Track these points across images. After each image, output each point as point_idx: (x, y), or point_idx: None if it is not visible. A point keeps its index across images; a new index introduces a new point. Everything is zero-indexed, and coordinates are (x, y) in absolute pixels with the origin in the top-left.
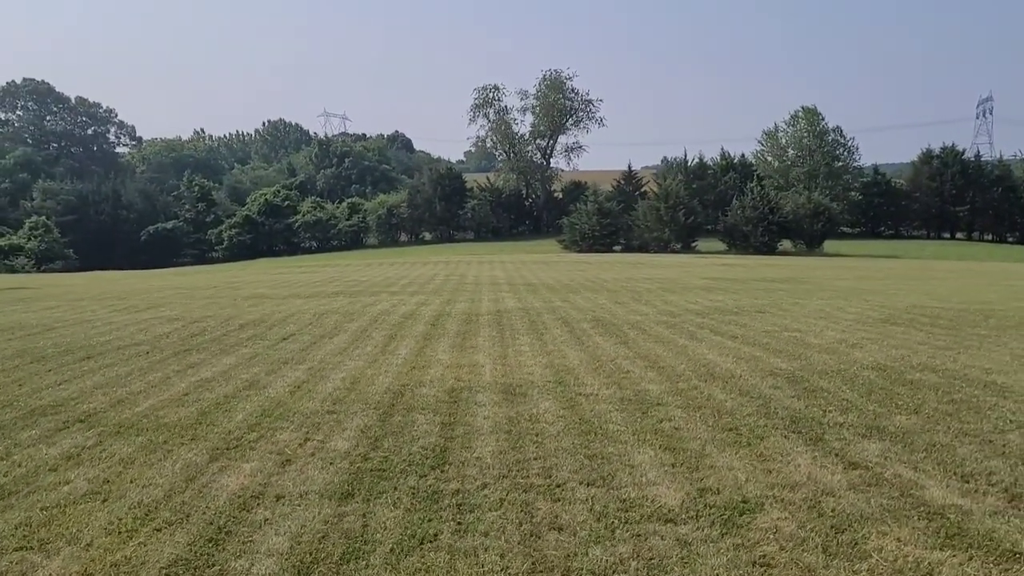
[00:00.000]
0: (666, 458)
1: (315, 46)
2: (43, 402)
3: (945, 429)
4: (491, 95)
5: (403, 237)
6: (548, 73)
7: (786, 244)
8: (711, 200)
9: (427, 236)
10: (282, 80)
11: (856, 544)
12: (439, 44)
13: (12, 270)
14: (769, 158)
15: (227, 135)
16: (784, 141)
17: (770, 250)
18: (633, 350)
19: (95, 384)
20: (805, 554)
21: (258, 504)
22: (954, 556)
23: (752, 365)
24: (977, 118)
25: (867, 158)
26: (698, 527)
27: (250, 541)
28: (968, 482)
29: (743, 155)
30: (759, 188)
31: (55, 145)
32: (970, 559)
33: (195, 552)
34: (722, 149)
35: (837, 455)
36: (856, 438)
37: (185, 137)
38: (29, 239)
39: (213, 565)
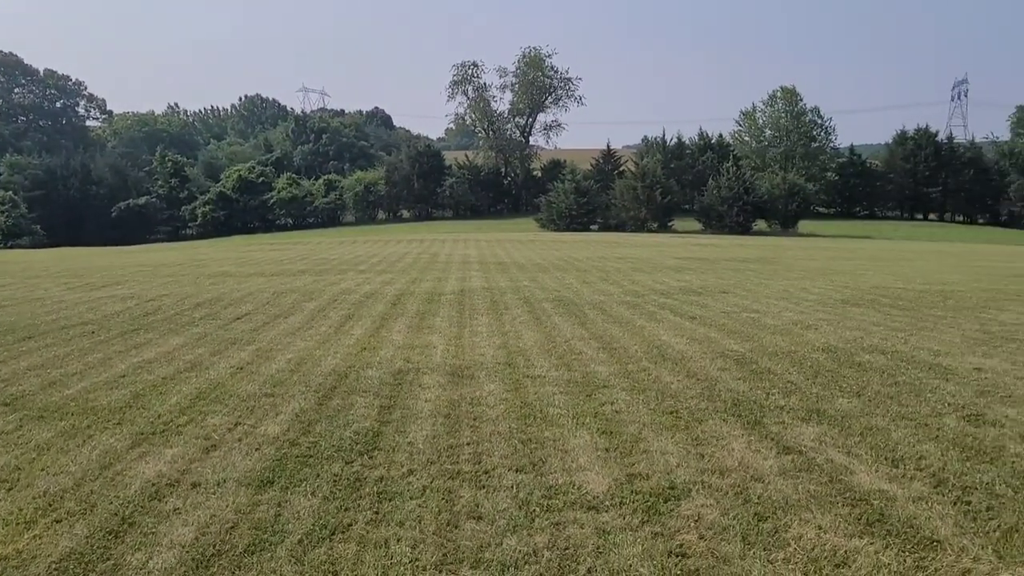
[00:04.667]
0: (601, 442)
1: (292, 19)
2: None
3: (884, 412)
4: (470, 72)
5: (381, 215)
6: (527, 50)
7: (761, 224)
8: (689, 180)
9: (405, 214)
10: (259, 55)
11: (776, 532)
12: (421, 20)
13: None
14: (746, 138)
15: (202, 110)
16: (762, 121)
17: (745, 230)
18: (590, 331)
19: (30, 365)
20: (723, 543)
21: (171, 493)
22: (872, 544)
23: (705, 347)
24: (952, 100)
25: (845, 138)
26: (620, 514)
27: (153, 533)
28: (897, 467)
29: (721, 135)
30: (735, 168)
31: (23, 119)
32: (887, 547)
33: (92, 545)
34: (700, 129)
35: (773, 439)
36: (795, 422)
37: (159, 111)
38: None
39: (108, 559)
